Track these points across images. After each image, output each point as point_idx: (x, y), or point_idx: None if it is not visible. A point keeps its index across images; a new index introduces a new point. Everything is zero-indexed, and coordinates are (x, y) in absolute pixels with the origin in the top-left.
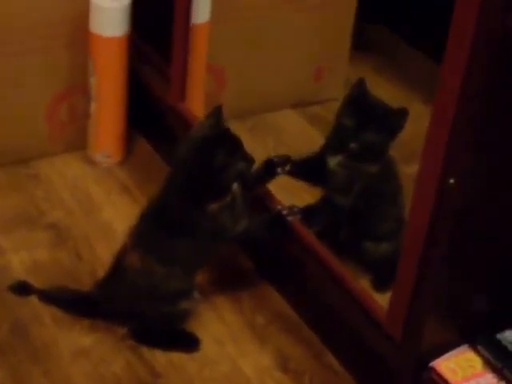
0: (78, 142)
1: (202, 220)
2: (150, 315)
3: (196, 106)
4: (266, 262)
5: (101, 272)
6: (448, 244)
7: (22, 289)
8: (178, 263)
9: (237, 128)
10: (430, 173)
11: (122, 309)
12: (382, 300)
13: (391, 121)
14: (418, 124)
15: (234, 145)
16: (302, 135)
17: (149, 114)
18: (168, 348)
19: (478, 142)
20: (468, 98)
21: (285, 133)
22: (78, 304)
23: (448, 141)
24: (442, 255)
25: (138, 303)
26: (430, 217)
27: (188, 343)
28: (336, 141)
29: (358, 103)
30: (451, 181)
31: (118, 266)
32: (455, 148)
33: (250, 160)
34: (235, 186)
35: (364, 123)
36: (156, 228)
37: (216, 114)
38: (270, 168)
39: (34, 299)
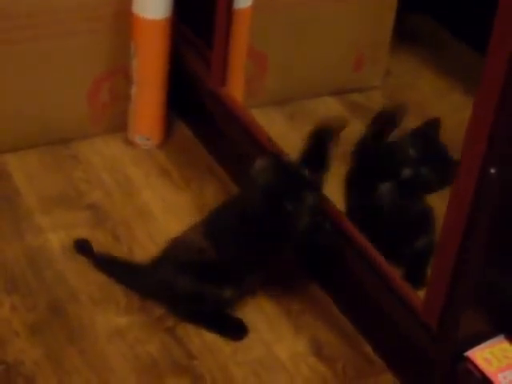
0: (118, 124)
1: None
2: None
3: (236, 91)
4: (304, 250)
5: (138, 253)
6: (487, 234)
7: (83, 247)
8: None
9: (276, 114)
10: (470, 162)
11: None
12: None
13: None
14: (459, 114)
15: (298, 186)
16: None
17: (189, 98)
18: (213, 330)
19: None
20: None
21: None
22: (127, 275)
23: (490, 130)
24: (481, 245)
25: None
26: (470, 206)
27: (235, 330)
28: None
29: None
30: (492, 170)
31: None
32: (497, 137)
33: (316, 190)
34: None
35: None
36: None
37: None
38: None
39: (71, 278)
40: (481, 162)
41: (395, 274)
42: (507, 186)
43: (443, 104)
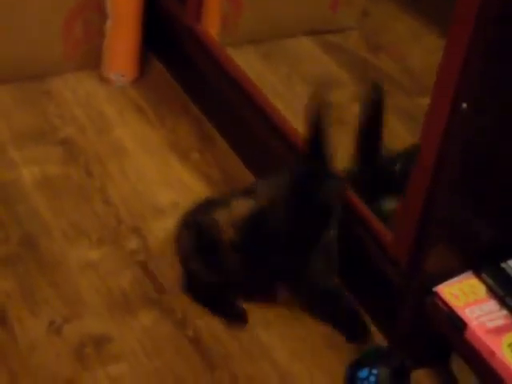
0: (92, 60)
1: None
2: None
3: (212, 28)
4: None
5: (110, 189)
6: (458, 169)
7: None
8: None
9: (251, 53)
10: (443, 96)
11: None
12: None
13: None
14: (434, 57)
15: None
16: (316, 63)
17: (164, 34)
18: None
19: (492, 68)
20: (483, 22)
21: (299, 60)
22: None
23: (462, 65)
24: (452, 180)
25: None
26: (442, 141)
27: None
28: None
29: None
30: (464, 105)
31: None
32: (469, 72)
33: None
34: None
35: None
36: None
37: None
38: None
39: (43, 213)
40: (453, 97)
41: (366, 209)
42: (478, 121)
43: (419, 46)
